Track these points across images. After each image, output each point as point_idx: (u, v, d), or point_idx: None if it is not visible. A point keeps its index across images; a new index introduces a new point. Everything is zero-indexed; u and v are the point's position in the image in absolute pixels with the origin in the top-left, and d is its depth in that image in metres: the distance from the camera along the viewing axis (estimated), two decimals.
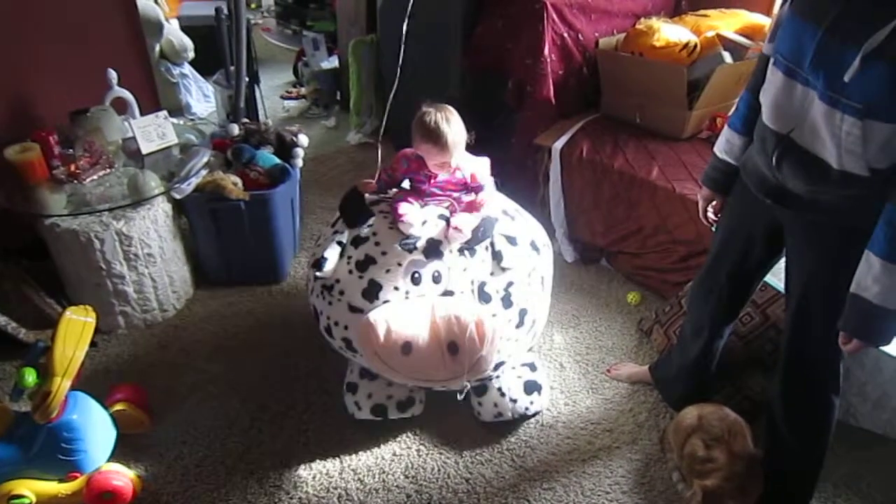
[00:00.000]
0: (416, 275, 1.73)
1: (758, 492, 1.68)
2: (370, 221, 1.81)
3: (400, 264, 1.73)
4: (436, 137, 1.71)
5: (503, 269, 1.78)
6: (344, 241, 1.78)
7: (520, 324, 1.82)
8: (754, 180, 1.49)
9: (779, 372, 1.59)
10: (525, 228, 1.93)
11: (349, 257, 1.77)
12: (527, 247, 1.86)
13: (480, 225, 1.78)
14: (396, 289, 1.72)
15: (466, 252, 1.76)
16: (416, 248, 1.74)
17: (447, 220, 1.79)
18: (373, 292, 1.72)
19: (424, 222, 1.78)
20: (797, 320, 1.49)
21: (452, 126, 1.72)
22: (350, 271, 1.76)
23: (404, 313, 1.67)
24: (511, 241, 1.80)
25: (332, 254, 1.75)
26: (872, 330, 1.27)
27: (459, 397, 1.83)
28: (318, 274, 1.78)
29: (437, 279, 1.73)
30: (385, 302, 1.71)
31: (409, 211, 1.77)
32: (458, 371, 1.70)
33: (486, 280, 1.76)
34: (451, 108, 1.77)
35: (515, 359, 1.99)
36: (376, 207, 1.86)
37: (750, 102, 1.52)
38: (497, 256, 1.77)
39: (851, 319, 1.29)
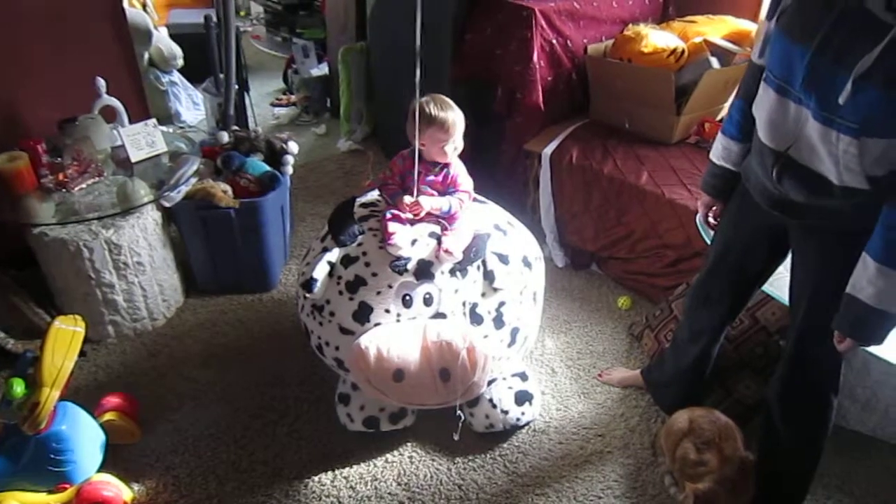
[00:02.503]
0: (408, 297, 1.70)
1: (749, 494, 1.69)
2: (359, 240, 1.78)
3: (391, 286, 1.70)
4: (441, 121, 1.72)
5: (495, 290, 1.76)
6: (333, 259, 1.76)
7: (511, 342, 1.82)
8: (757, 191, 1.49)
9: (779, 373, 1.59)
10: (517, 243, 1.90)
11: (339, 277, 1.74)
12: (519, 264, 1.83)
13: (472, 245, 1.75)
14: (387, 311, 1.70)
15: (458, 273, 1.73)
16: (406, 270, 1.71)
17: (438, 239, 1.76)
18: (364, 315, 1.70)
19: (414, 241, 1.75)
20: (804, 323, 1.49)
21: (454, 109, 1.76)
22: (340, 292, 1.73)
23: (396, 337, 1.65)
24: (503, 259, 1.77)
25: (321, 274, 1.72)
26: (866, 330, 1.29)
27: (456, 437, 1.83)
28: (307, 295, 1.76)
29: (428, 301, 1.71)
30: (376, 324, 1.70)
31: (398, 231, 1.74)
32: (450, 397, 1.69)
33: (477, 301, 1.75)
34: (443, 95, 1.78)
35: (507, 370, 1.99)
36: (366, 224, 1.83)
37: (742, 109, 1.53)
38: (489, 276, 1.75)
39: (846, 319, 1.31)
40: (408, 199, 1.76)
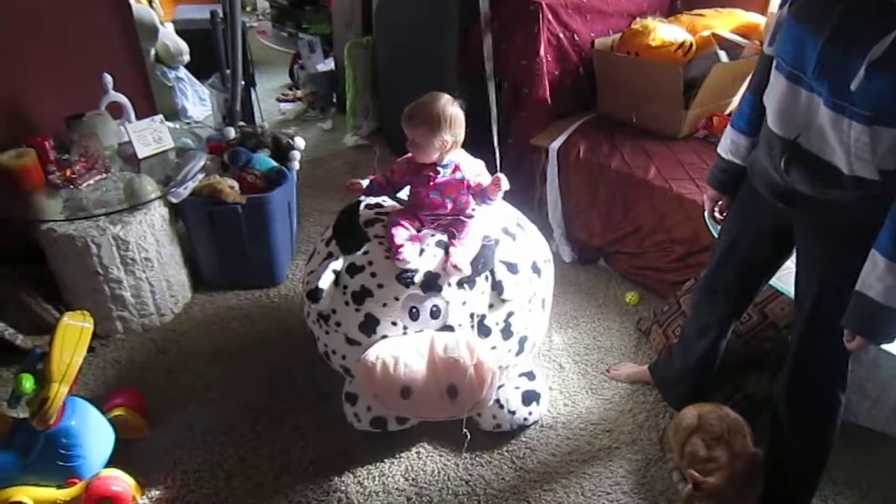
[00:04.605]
0: (415, 310, 1.67)
1: (758, 491, 1.68)
2: (365, 248, 1.74)
3: (397, 298, 1.67)
4: (407, 115, 1.67)
5: (503, 301, 1.73)
6: (338, 268, 1.72)
7: (520, 351, 1.80)
8: (763, 183, 1.48)
9: (785, 370, 1.58)
10: (526, 248, 1.85)
11: (345, 286, 1.71)
12: (528, 272, 1.79)
13: (480, 256, 1.71)
14: (394, 324, 1.68)
15: (466, 285, 1.70)
16: (413, 283, 1.68)
17: (445, 249, 1.72)
18: (370, 326, 1.68)
19: (422, 251, 1.71)
20: (810, 319, 1.47)
21: (428, 104, 1.67)
22: (346, 303, 1.70)
23: (403, 352, 1.63)
24: (511, 269, 1.74)
25: (327, 283, 1.69)
26: (876, 328, 1.27)
27: (463, 454, 1.85)
28: (314, 306, 1.74)
29: (435, 314, 1.68)
30: (383, 337, 1.68)
31: (406, 244, 1.69)
32: (457, 413, 1.68)
33: (485, 313, 1.72)
34: (441, 93, 1.71)
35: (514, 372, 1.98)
36: (372, 230, 1.79)
37: (753, 102, 1.51)
38: (497, 287, 1.71)
39: (855, 317, 1.29)
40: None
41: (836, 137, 1.22)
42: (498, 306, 1.74)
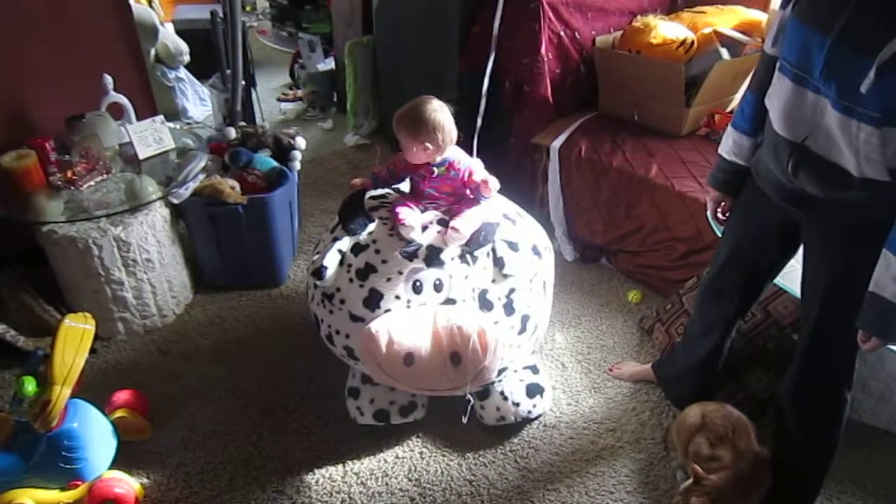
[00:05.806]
0: (418, 283, 1.70)
1: (764, 489, 1.67)
2: (370, 228, 1.78)
3: (401, 273, 1.71)
4: (394, 119, 1.71)
5: (505, 276, 1.75)
6: (344, 248, 1.76)
7: (522, 330, 1.80)
8: (770, 186, 1.46)
9: (792, 369, 1.57)
10: (526, 232, 1.90)
11: (349, 265, 1.75)
12: (528, 252, 1.83)
13: (481, 229, 1.75)
14: (398, 298, 1.70)
15: (468, 259, 1.73)
16: (417, 256, 1.71)
17: (447, 225, 1.76)
18: (374, 301, 1.70)
19: (425, 227, 1.76)
20: (818, 319, 1.46)
21: (412, 109, 1.70)
22: (350, 280, 1.74)
23: (406, 323, 1.65)
24: (512, 246, 1.78)
25: (332, 262, 1.73)
26: (891, 328, 1.26)
27: (464, 420, 1.83)
28: (318, 283, 1.76)
29: (438, 287, 1.71)
30: (386, 311, 1.69)
31: (409, 215, 1.74)
32: (461, 381, 1.69)
33: (487, 287, 1.74)
34: (429, 97, 1.74)
35: (517, 362, 1.98)
36: (376, 214, 1.83)
37: (754, 103, 1.50)
38: (499, 263, 1.74)
39: (870, 318, 1.27)
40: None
41: (844, 139, 1.20)
42: (500, 281, 1.76)
